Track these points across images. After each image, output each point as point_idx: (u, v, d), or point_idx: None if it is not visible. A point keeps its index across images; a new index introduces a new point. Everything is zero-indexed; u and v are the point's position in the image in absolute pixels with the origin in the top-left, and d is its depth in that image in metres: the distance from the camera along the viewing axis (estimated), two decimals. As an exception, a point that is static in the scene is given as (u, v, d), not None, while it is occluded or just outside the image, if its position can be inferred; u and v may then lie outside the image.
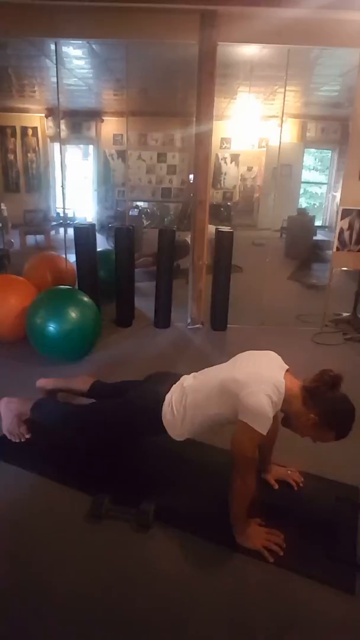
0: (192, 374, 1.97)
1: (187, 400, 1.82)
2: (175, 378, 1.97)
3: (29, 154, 9.24)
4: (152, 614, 1.46)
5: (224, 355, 2.05)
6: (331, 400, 1.65)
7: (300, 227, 7.25)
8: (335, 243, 3.91)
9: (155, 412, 1.88)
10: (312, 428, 1.67)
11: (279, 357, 1.82)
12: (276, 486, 2.00)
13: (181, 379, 1.96)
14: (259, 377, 1.66)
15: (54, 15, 3.37)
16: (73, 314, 3.14)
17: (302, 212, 7.83)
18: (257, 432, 1.58)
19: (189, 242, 5.16)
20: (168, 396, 1.88)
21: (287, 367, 1.76)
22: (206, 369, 1.95)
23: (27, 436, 2.22)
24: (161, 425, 1.87)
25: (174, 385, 1.92)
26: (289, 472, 2.06)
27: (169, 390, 1.90)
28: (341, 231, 3.85)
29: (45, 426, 2.19)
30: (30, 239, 7.64)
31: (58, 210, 9.56)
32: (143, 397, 1.99)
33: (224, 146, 9.49)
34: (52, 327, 3.07)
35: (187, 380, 1.92)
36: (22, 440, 2.21)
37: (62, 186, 5.55)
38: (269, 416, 1.59)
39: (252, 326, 4.10)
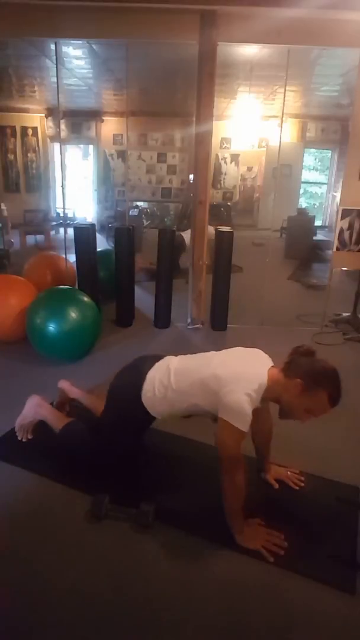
0: (179, 357, 1.99)
1: (170, 383, 1.84)
2: (158, 358, 2.00)
3: (29, 154, 9.24)
4: (151, 613, 1.46)
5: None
6: (309, 362, 1.67)
7: (300, 227, 7.24)
8: (335, 243, 3.90)
9: (135, 388, 1.90)
10: (303, 396, 1.62)
11: (265, 354, 1.83)
12: (276, 486, 2.00)
13: (166, 358, 1.98)
14: (239, 374, 1.68)
15: (54, 15, 3.37)
16: (73, 314, 3.14)
17: (302, 212, 7.83)
18: (238, 430, 1.60)
19: (184, 238, 5.18)
20: (150, 373, 1.91)
21: (271, 363, 1.77)
22: (193, 355, 1.97)
23: (30, 437, 2.25)
24: (141, 403, 1.89)
25: (158, 363, 1.94)
26: (288, 472, 2.06)
27: (151, 367, 1.93)
28: (341, 231, 3.84)
29: (67, 450, 2.13)
30: (30, 239, 7.64)
31: (58, 210, 9.56)
32: (122, 377, 2.04)
33: (224, 146, 9.49)
34: (52, 327, 3.06)
35: (173, 362, 1.93)
36: (24, 439, 2.23)
37: (62, 186, 5.55)
38: (248, 413, 1.60)
39: (252, 326, 4.10)
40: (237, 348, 1.89)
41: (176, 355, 2.01)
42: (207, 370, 1.76)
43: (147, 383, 1.89)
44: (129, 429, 2.01)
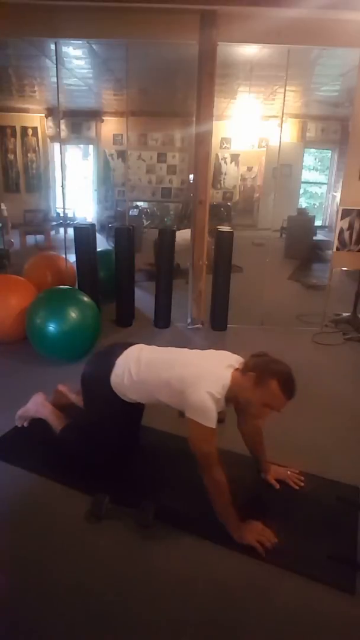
0: (150, 347, 2.04)
1: (139, 374, 1.89)
2: (127, 345, 2.05)
3: (29, 154, 9.24)
4: (151, 613, 1.46)
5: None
6: (262, 358, 1.73)
7: (300, 227, 7.24)
8: (335, 243, 3.91)
9: (104, 374, 1.95)
10: (257, 388, 1.65)
11: (235, 355, 1.86)
12: (277, 486, 2.00)
13: (137, 346, 2.03)
14: (201, 375, 1.73)
15: (54, 15, 3.37)
16: (73, 314, 3.14)
17: (302, 212, 7.83)
18: (206, 427, 1.64)
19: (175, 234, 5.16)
20: (120, 360, 1.95)
21: (237, 366, 1.79)
22: (165, 349, 2.02)
23: (26, 424, 2.36)
24: (111, 388, 1.94)
25: (127, 351, 1.99)
26: (288, 472, 2.06)
27: (121, 354, 1.98)
28: (341, 231, 3.85)
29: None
30: (30, 239, 7.64)
31: (58, 210, 9.56)
32: (92, 364, 2.11)
33: (224, 146, 9.49)
34: (52, 327, 3.07)
35: (144, 353, 1.98)
36: (20, 425, 2.35)
37: (62, 186, 5.54)
38: (212, 409, 1.65)
39: (252, 326, 4.10)
40: (208, 350, 1.95)
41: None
42: (173, 371, 1.81)
43: (116, 368, 1.94)
44: (109, 415, 2.03)
